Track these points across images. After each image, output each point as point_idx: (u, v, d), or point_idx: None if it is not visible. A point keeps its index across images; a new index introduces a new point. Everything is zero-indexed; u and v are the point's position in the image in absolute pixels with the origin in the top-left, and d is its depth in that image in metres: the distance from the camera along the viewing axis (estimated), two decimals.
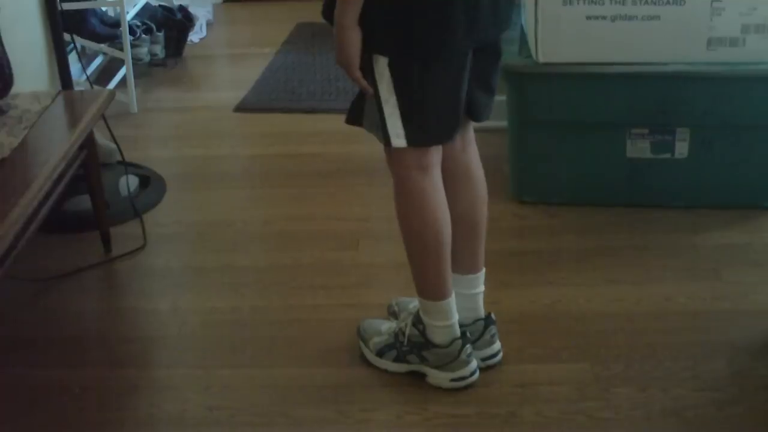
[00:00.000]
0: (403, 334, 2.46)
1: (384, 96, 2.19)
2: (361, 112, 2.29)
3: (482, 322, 2.49)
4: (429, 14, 2.10)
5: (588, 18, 3.06)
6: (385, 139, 2.24)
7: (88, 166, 3.03)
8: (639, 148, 3.20)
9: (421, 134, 2.24)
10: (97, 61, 4.70)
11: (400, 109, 2.19)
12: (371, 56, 2.16)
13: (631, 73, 3.09)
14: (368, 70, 2.18)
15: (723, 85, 3.08)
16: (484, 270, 2.51)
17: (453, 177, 2.40)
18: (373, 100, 2.21)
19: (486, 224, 2.49)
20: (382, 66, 2.16)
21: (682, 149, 3.19)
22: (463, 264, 2.47)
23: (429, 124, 2.24)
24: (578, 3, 3.05)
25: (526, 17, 3.14)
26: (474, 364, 2.43)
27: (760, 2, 2.99)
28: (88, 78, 3.84)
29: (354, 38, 2.12)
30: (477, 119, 2.37)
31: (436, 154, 2.30)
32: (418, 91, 2.19)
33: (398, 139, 2.23)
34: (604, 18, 3.06)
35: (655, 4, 3.03)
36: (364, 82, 2.18)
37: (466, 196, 2.43)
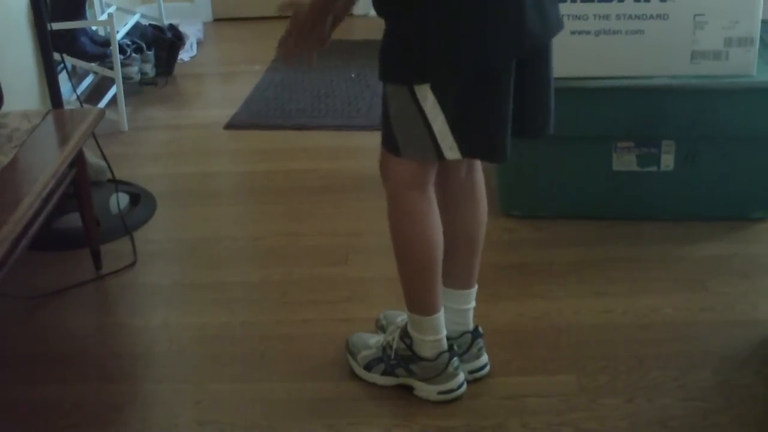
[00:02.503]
0: (391, 347, 2.48)
1: (431, 117, 2.14)
2: (394, 138, 2.23)
3: (469, 335, 2.51)
4: (468, 28, 2.04)
5: (572, 33, 3.08)
6: (438, 154, 2.19)
7: (79, 184, 3.05)
8: (625, 161, 3.23)
9: (473, 143, 2.19)
10: (88, 80, 4.72)
11: (449, 124, 2.14)
12: (411, 87, 2.12)
13: (616, 87, 3.12)
14: (407, 102, 2.14)
15: (707, 98, 3.11)
16: (476, 287, 2.53)
17: (456, 197, 2.41)
18: (416, 128, 2.17)
19: (483, 242, 2.50)
20: (424, 92, 2.12)
21: (667, 162, 3.22)
22: (458, 279, 2.48)
23: (480, 135, 2.17)
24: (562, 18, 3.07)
25: None
26: (461, 377, 2.45)
27: (741, 16, 3.03)
28: (78, 97, 3.86)
29: None
30: (534, 136, 2.31)
31: (431, 172, 2.30)
32: (464, 106, 2.13)
33: (451, 152, 2.18)
34: (588, 33, 3.09)
35: (638, 18, 3.06)
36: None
37: (467, 216, 2.44)
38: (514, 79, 2.13)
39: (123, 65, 4.47)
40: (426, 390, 2.45)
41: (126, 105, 4.40)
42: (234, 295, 3.00)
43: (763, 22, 3.11)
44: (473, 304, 2.53)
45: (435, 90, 2.11)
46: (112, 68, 4.36)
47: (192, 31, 5.59)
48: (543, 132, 2.31)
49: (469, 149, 2.20)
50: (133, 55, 4.64)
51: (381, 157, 2.32)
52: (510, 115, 2.16)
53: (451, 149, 2.18)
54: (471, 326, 2.53)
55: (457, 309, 2.50)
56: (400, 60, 2.12)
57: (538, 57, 2.20)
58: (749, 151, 3.18)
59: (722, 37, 3.06)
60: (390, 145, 2.25)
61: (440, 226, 2.33)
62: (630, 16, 3.05)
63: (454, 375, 2.43)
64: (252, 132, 4.30)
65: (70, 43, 4.28)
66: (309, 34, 2.19)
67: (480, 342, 2.52)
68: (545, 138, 2.33)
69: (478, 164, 2.43)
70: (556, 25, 2.22)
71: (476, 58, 2.08)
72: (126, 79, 4.52)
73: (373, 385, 2.51)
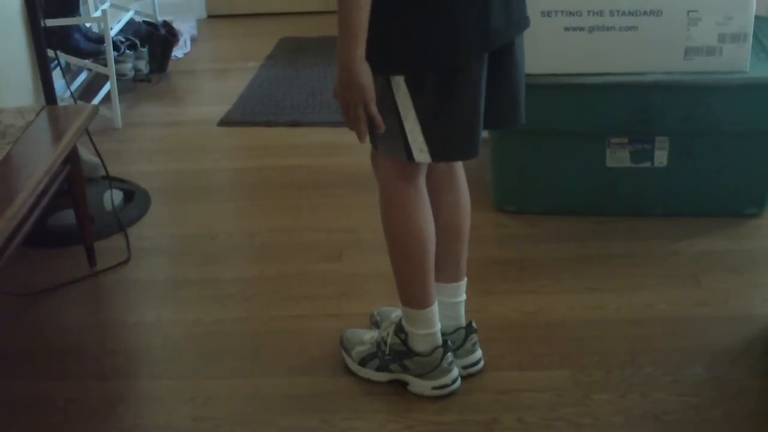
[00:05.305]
0: (385, 343, 2.48)
1: (403, 112, 2.16)
2: (374, 138, 2.25)
3: (463, 331, 2.51)
4: (437, 23, 2.07)
5: (566, 29, 3.09)
6: (408, 154, 2.20)
7: (73, 181, 3.04)
8: (618, 157, 3.23)
9: (444, 147, 2.22)
10: (82, 77, 4.72)
11: (420, 123, 2.16)
12: (387, 78, 2.13)
13: (610, 84, 3.12)
14: (384, 92, 2.15)
15: (700, 93, 3.11)
16: (466, 279, 2.53)
17: (437, 187, 2.41)
18: (390, 120, 2.17)
19: (468, 233, 2.51)
20: (398, 83, 2.13)
21: (661, 158, 3.22)
22: (446, 272, 2.48)
23: (451, 136, 2.20)
24: (556, 15, 3.08)
25: None
26: (455, 372, 2.45)
27: (735, 12, 3.03)
28: (72, 94, 3.86)
29: (367, 71, 2.07)
30: (502, 127, 2.38)
31: (420, 163, 2.30)
32: (436, 103, 2.14)
33: (422, 154, 2.20)
34: (582, 29, 3.09)
35: (632, 15, 3.06)
36: (380, 118, 2.13)
37: (449, 206, 2.45)
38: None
39: (117, 62, 4.46)
40: (420, 385, 2.45)
41: (120, 102, 4.40)
42: (228, 292, 2.99)
43: (757, 17, 3.12)
44: (464, 297, 2.53)
45: (408, 83, 2.13)
46: (105, 65, 4.35)
47: (186, 28, 5.58)
48: (513, 124, 2.34)
49: (440, 152, 2.22)
50: (127, 51, 4.64)
51: (371, 149, 2.33)
52: (482, 115, 2.20)
53: (421, 151, 2.20)
54: (464, 321, 2.54)
55: (448, 302, 2.50)
56: (377, 50, 2.11)
57: (504, 53, 2.22)
58: (742, 147, 3.18)
59: (716, 33, 3.06)
60: (372, 139, 2.27)
61: (431, 217, 2.34)
62: (624, 13, 3.05)
63: (449, 370, 2.43)
64: (246, 128, 4.30)
65: (63, 39, 4.28)
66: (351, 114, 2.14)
67: (474, 337, 2.52)
68: (515, 128, 2.36)
69: None
70: (523, 22, 2.26)
71: (442, 53, 2.10)
72: (120, 75, 4.52)
73: (368, 380, 2.52)
